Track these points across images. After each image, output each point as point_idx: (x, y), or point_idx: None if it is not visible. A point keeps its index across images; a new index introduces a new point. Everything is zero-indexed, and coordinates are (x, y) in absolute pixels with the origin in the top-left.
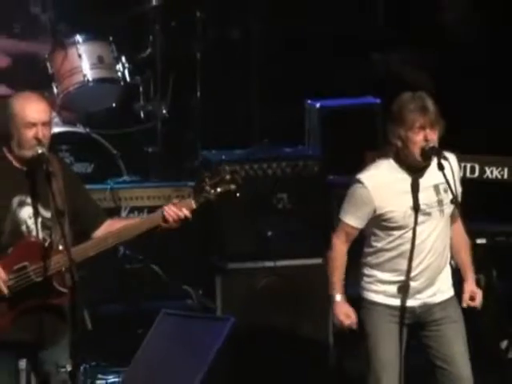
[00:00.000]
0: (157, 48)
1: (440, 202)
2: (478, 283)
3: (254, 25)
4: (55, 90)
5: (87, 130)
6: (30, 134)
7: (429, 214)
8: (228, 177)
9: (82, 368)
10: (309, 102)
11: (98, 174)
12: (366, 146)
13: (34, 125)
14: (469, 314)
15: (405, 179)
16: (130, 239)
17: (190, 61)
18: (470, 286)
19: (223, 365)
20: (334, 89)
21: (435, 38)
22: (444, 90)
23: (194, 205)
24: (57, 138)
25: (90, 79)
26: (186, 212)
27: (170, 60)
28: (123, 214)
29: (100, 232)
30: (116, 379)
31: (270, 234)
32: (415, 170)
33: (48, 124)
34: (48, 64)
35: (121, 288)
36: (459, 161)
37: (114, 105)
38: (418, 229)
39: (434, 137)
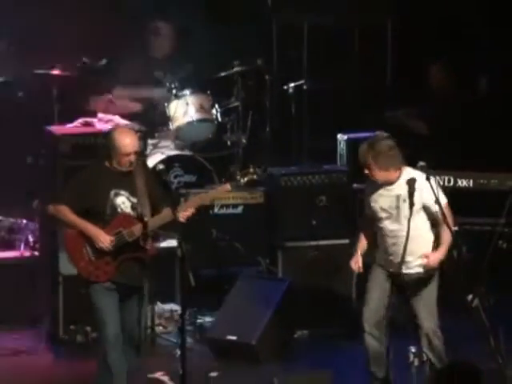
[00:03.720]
0: (239, 98)
1: (397, 208)
2: (452, 257)
3: (305, 83)
4: (171, 126)
5: (192, 153)
6: (125, 159)
7: (390, 214)
8: (251, 171)
9: (187, 311)
10: (340, 135)
11: (199, 183)
12: None
13: (127, 154)
14: (445, 278)
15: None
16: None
17: (262, 107)
18: (430, 255)
19: (282, 310)
20: (357, 126)
21: (427, 97)
22: (434, 132)
23: (229, 187)
24: (172, 158)
25: (195, 119)
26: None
27: (248, 106)
28: (216, 209)
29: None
30: (210, 319)
31: (314, 222)
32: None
33: (138, 151)
34: (167, 109)
35: (214, 258)
36: (440, 175)
37: (210, 136)
38: (386, 222)
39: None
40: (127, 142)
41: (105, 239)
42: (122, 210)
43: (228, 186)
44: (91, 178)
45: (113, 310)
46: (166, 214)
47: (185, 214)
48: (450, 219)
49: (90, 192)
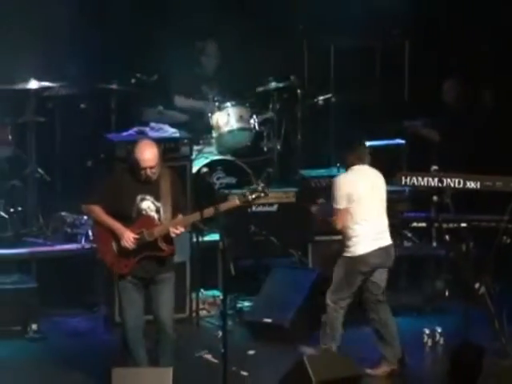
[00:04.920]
0: (274, 110)
1: None
2: (461, 250)
3: (332, 97)
4: (214, 134)
5: (233, 158)
6: (141, 172)
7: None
8: (260, 189)
9: (228, 297)
10: None
11: (240, 184)
12: (395, 169)
13: (144, 169)
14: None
15: None
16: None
17: (294, 117)
18: None
19: (311, 296)
20: (377, 135)
21: (441, 109)
22: (446, 140)
23: (237, 202)
24: (215, 162)
25: (235, 128)
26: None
27: (282, 117)
28: (254, 207)
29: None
30: (248, 304)
31: None
32: None
33: (155, 166)
34: (210, 119)
35: (252, 250)
36: (451, 177)
37: (248, 143)
38: None
39: None
40: (145, 157)
41: (129, 237)
42: (147, 213)
43: (237, 201)
44: (121, 183)
45: (132, 304)
46: (180, 218)
47: (178, 228)
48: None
49: (118, 195)
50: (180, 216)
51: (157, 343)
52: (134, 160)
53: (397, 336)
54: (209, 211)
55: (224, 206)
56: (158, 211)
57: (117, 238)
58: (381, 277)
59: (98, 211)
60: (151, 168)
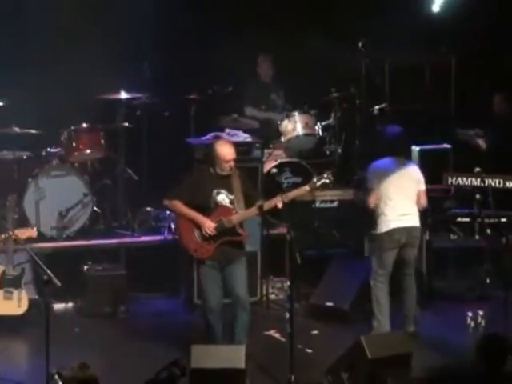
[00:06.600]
0: (336, 118)
1: None
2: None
3: (387, 106)
4: (282, 139)
5: (299, 160)
6: (225, 165)
7: None
8: (325, 176)
9: (294, 283)
10: (413, 146)
11: (304, 182)
12: (442, 170)
13: (227, 161)
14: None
15: None
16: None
17: (353, 124)
18: None
19: (367, 282)
20: (427, 140)
21: (489, 121)
22: (491, 148)
23: (307, 188)
24: (283, 164)
25: (301, 134)
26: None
27: (343, 124)
28: (317, 203)
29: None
30: (312, 289)
31: None
32: None
33: (235, 159)
34: (279, 126)
35: (315, 242)
36: (492, 178)
37: (312, 147)
38: None
39: None
40: (227, 151)
41: (210, 226)
42: (222, 204)
43: (307, 187)
44: (198, 180)
45: (213, 285)
46: (253, 208)
47: (271, 205)
48: None
49: (198, 191)
50: (260, 202)
51: (234, 317)
52: (216, 156)
53: (411, 308)
54: (285, 197)
55: (296, 193)
56: (231, 202)
57: (198, 226)
58: (409, 254)
59: (179, 205)
60: (234, 161)
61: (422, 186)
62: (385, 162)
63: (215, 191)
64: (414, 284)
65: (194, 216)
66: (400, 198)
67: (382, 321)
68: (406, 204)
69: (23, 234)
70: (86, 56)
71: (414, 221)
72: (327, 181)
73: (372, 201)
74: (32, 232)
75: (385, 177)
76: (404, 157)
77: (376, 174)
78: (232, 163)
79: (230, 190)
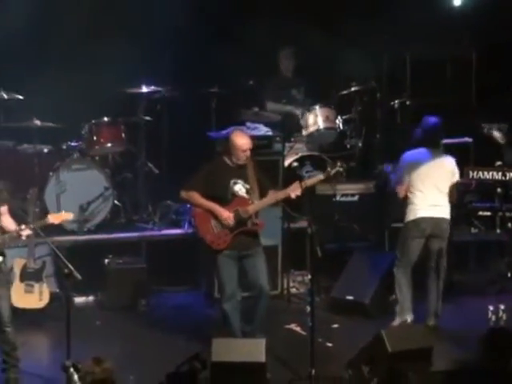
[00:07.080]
0: (356, 111)
1: None
2: None
3: (407, 100)
4: (304, 133)
5: (319, 153)
6: (242, 154)
7: None
8: (339, 164)
9: (315, 277)
10: None
11: None
12: (463, 163)
13: (244, 151)
14: None
15: None
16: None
17: (374, 118)
18: None
19: (388, 276)
20: (448, 133)
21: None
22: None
23: (321, 177)
24: (304, 157)
25: (322, 128)
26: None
27: (363, 118)
28: (337, 197)
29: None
30: (333, 283)
31: None
32: None
33: (250, 149)
34: (301, 120)
35: (336, 236)
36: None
37: (333, 140)
38: None
39: None
40: (244, 141)
41: (228, 216)
42: (239, 194)
43: (321, 176)
44: (215, 171)
45: (231, 275)
46: (270, 196)
47: (286, 194)
48: None
49: (215, 181)
50: (271, 192)
51: (254, 306)
52: (233, 146)
53: (433, 297)
54: (303, 183)
55: (311, 181)
56: (248, 192)
57: (215, 217)
58: (434, 245)
59: (196, 196)
60: (249, 150)
61: (456, 179)
62: (419, 152)
63: (232, 181)
64: (437, 277)
65: (211, 206)
66: (431, 189)
67: (405, 307)
68: (437, 195)
69: (58, 218)
70: (108, 50)
71: (443, 212)
72: (341, 169)
73: (401, 191)
74: (67, 215)
75: (417, 167)
76: (440, 148)
77: (408, 164)
78: (248, 153)
79: (245, 180)
